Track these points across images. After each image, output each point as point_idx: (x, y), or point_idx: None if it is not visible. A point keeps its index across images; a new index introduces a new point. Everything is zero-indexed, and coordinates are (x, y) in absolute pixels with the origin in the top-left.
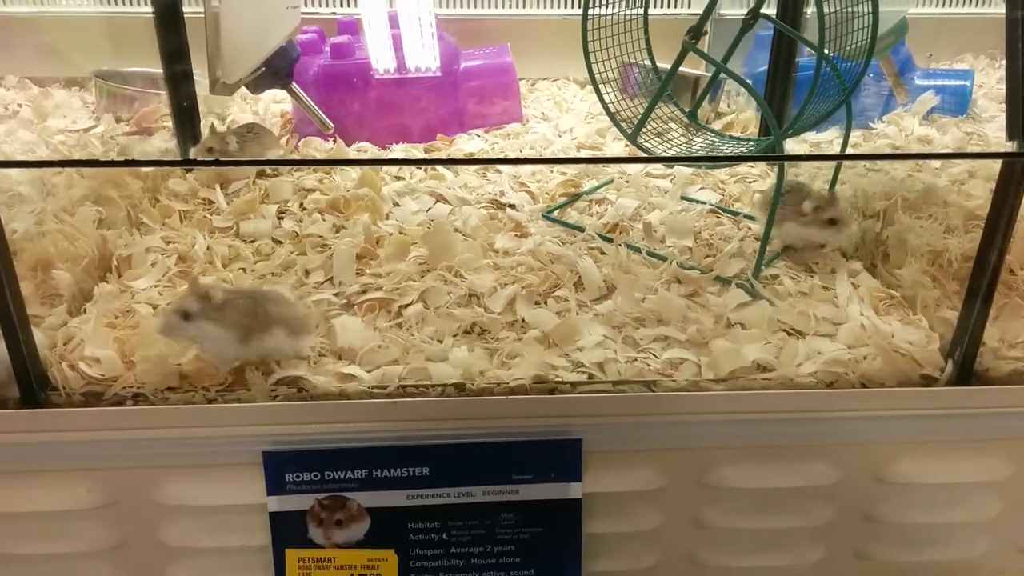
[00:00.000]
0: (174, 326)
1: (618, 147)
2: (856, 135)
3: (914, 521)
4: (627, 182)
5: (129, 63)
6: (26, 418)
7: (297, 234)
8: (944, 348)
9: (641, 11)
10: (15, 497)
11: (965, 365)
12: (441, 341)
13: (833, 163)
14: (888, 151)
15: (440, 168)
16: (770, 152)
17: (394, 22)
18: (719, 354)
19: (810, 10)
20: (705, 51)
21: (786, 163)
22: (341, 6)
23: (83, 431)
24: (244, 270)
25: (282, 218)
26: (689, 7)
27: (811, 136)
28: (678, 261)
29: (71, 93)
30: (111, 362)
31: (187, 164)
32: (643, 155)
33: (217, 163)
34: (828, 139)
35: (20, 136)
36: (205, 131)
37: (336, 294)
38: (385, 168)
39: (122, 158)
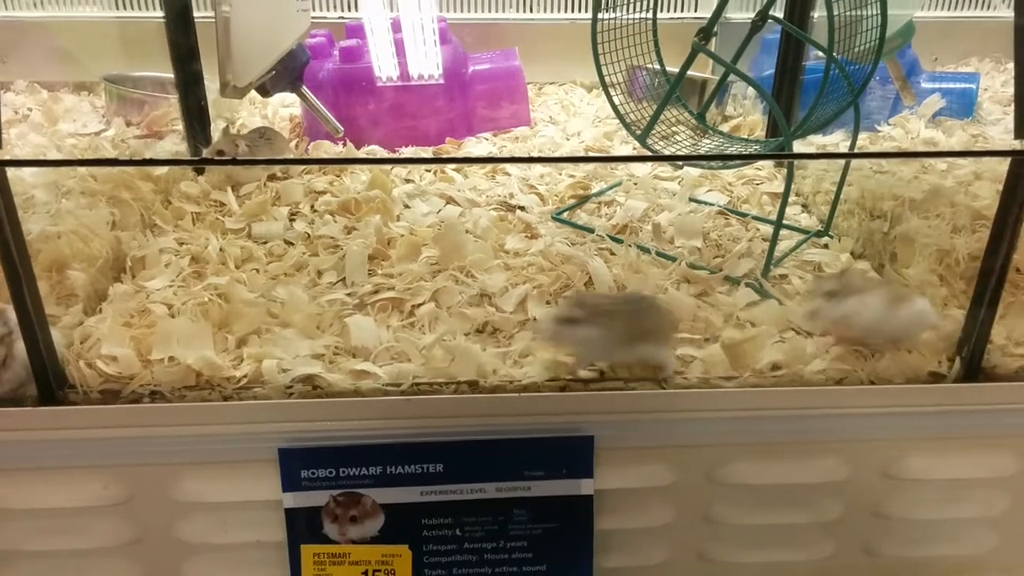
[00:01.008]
0: (558, 332)
1: (626, 150)
2: (863, 137)
3: (922, 517)
4: (635, 184)
5: (138, 67)
6: (44, 415)
7: (309, 235)
8: (952, 345)
9: (649, 15)
10: (33, 493)
11: (973, 362)
12: (454, 339)
13: (840, 165)
14: None
15: (449, 171)
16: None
17: (397, 26)
18: (728, 352)
19: (817, 13)
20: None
21: (794, 164)
22: (348, 10)
23: (100, 428)
24: (257, 271)
25: (294, 220)
26: (696, 11)
27: (817, 139)
28: (687, 261)
29: (80, 97)
30: (128, 360)
31: (201, 163)
32: (654, 154)
33: (233, 162)
34: (834, 141)
35: (31, 140)
36: (215, 134)
37: (349, 294)
38: (395, 171)
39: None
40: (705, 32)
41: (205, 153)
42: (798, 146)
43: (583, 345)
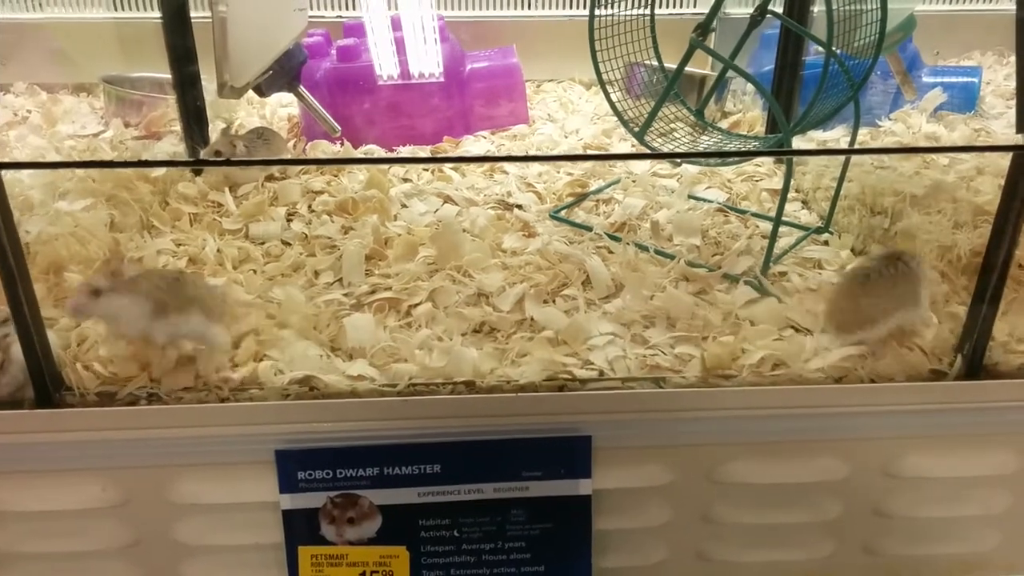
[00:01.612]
0: (83, 305)
1: (624, 147)
2: (863, 133)
3: (924, 515)
4: (634, 182)
5: (137, 68)
6: (41, 418)
7: (306, 236)
8: (953, 343)
9: (647, 11)
10: (31, 496)
11: (974, 359)
12: (451, 339)
13: (840, 161)
14: None
15: (447, 170)
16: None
17: (397, 25)
18: (727, 350)
19: (817, 8)
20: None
21: (793, 160)
22: (346, 9)
23: (97, 431)
24: (254, 271)
25: (291, 220)
26: (695, 7)
27: (818, 134)
28: (686, 259)
29: (79, 99)
30: (124, 362)
31: (197, 164)
32: (653, 151)
33: (228, 163)
34: (835, 137)
35: (30, 142)
36: (213, 135)
37: (346, 294)
38: (392, 170)
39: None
40: (703, 28)
41: (203, 154)
42: (798, 142)
43: (112, 319)
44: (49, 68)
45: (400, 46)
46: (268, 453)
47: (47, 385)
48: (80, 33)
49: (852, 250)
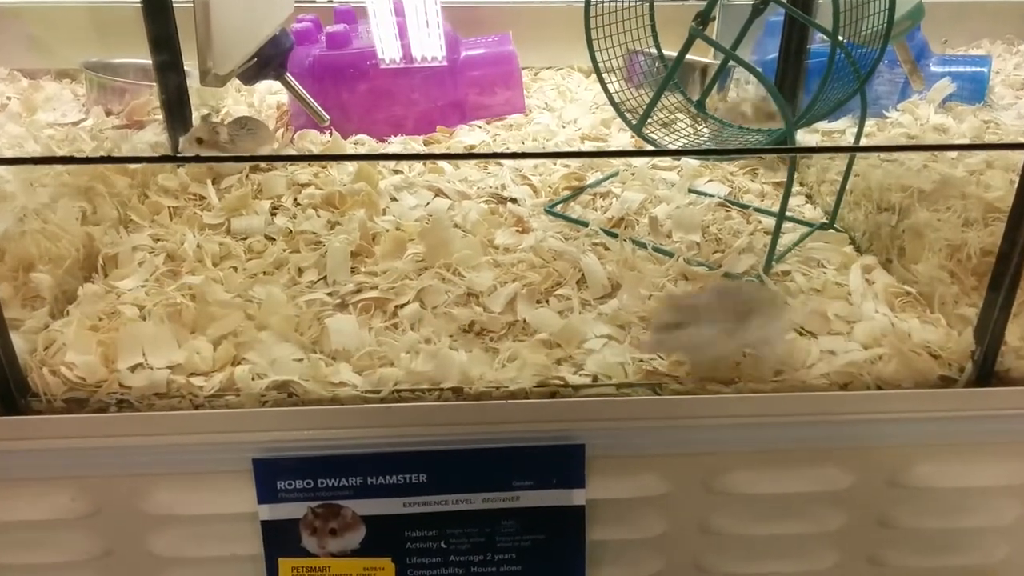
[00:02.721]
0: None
1: (624, 138)
2: (870, 124)
3: (931, 526)
4: (633, 174)
5: (121, 54)
6: (5, 425)
7: (290, 231)
8: (963, 348)
9: None
10: None
11: (985, 365)
12: (439, 341)
13: (846, 154)
14: (903, 140)
15: (440, 161)
16: (782, 142)
17: (398, 10)
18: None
19: None
20: (713, 37)
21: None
22: None
23: (65, 438)
24: (235, 269)
25: (275, 214)
26: None
27: (823, 125)
28: (685, 257)
29: (63, 85)
30: (93, 367)
31: (166, 160)
32: (648, 148)
33: (198, 159)
34: (841, 128)
35: (8, 130)
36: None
37: (330, 294)
38: (383, 161)
39: (100, 154)
40: (703, 17)
41: (183, 140)
42: (803, 134)
43: (691, 348)
44: (32, 54)
45: (399, 30)
46: (245, 462)
47: (12, 391)
48: (65, 17)
49: (857, 248)
